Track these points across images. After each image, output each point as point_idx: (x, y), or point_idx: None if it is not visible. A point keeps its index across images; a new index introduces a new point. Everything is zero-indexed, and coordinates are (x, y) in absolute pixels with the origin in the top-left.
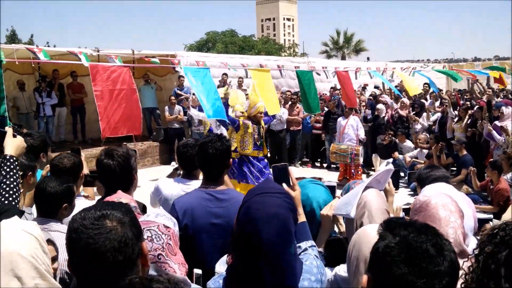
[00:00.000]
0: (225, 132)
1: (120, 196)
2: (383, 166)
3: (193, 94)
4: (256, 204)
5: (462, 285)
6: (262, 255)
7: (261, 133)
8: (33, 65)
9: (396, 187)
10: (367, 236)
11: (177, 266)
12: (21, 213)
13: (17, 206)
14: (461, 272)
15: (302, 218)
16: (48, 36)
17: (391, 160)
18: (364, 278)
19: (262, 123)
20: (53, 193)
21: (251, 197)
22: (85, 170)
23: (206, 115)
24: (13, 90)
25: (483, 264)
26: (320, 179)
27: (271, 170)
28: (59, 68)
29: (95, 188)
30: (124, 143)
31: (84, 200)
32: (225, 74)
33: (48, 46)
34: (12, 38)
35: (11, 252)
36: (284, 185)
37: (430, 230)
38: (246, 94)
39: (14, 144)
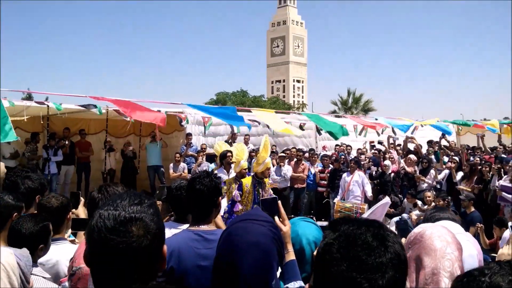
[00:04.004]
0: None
1: None
2: (392, 224)
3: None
4: (237, 230)
5: None
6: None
7: (266, 191)
8: (42, 122)
9: None
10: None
11: None
12: None
13: None
14: None
15: (291, 256)
16: (61, 99)
17: (396, 218)
18: (306, 286)
19: (267, 180)
20: (27, 235)
21: (234, 223)
22: (81, 215)
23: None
24: (21, 148)
25: None
26: (312, 217)
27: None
28: (68, 126)
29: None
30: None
31: (69, 243)
32: (234, 133)
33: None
34: (28, 100)
35: None
36: (276, 218)
37: (374, 223)
38: (252, 151)
39: None
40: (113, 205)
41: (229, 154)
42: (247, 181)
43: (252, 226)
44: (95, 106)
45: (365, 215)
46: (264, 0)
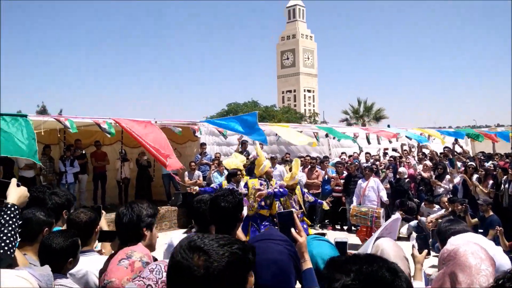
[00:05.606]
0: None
1: (135, 249)
2: (404, 229)
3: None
4: (256, 250)
5: None
6: None
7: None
8: (58, 135)
9: (428, 252)
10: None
11: None
12: (14, 263)
13: (12, 255)
14: None
15: (308, 264)
16: (75, 111)
17: (414, 222)
18: None
19: (273, 181)
20: (58, 249)
21: (253, 243)
22: (104, 227)
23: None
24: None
25: None
26: (323, 234)
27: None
28: (83, 138)
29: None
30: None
31: (97, 255)
32: (245, 141)
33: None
34: (43, 113)
35: None
36: (292, 230)
37: (376, 258)
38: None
39: (17, 193)
40: (196, 236)
41: (239, 173)
42: (253, 181)
43: (269, 245)
44: (110, 134)
45: (378, 232)
46: (273, 15)
